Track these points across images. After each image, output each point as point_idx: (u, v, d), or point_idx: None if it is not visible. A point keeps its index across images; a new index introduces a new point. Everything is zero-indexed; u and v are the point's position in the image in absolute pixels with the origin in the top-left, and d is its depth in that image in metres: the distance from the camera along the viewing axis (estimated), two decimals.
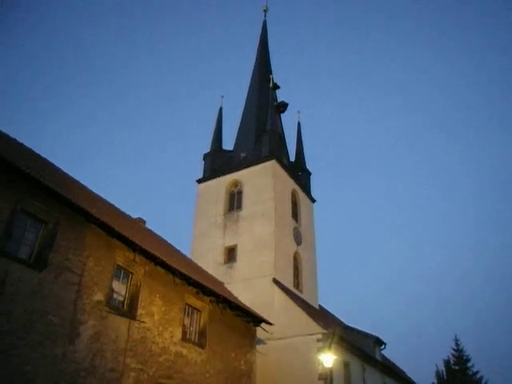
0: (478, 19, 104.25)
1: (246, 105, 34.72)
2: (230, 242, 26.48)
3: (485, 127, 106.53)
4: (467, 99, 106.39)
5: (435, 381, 37.06)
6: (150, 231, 19.05)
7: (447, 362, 37.53)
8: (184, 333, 14.94)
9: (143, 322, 13.27)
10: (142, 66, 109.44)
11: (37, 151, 14.40)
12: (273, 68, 36.99)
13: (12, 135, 13.60)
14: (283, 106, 33.60)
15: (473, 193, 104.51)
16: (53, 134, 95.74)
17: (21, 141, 13.89)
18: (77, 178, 15.75)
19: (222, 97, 34.65)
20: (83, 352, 11.30)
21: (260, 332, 18.83)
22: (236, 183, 28.89)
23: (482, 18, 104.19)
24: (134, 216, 19.13)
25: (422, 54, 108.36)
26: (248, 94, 35.33)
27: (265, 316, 18.58)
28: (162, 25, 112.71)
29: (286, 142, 33.33)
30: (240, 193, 28.29)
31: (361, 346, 24.29)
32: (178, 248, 20.15)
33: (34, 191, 10.90)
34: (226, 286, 20.43)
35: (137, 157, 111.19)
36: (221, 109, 34.21)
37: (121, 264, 13.10)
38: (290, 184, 29.50)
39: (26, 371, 9.93)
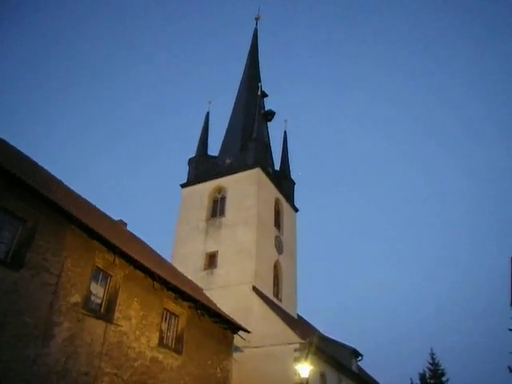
0: (480, 27, 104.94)
1: (233, 111, 34.80)
2: (211, 248, 26.41)
3: (480, 131, 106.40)
4: (461, 103, 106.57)
5: None
6: (130, 234, 18.87)
7: (422, 376, 37.81)
8: (161, 338, 14.75)
9: (120, 325, 13.08)
10: (130, 71, 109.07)
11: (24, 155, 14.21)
12: (261, 76, 37.24)
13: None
14: (270, 115, 33.79)
15: (465, 206, 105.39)
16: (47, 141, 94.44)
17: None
18: (60, 178, 15.55)
19: (210, 102, 34.79)
20: (56, 354, 11.07)
21: (237, 340, 18.75)
22: (220, 189, 28.88)
23: (485, 25, 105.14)
24: (116, 218, 18.94)
25: (412, 60, 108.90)
26: (236, 101, 35.43)
27: (243, 324, 18.51)
28: (150, 29, 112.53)
29: (272, 150, 33.51)
30: (223, 199, 28.28)
31: (337, 357, 24.35)
32: (158, 252, 20.01)
33: (13, 188, 10.71)
34: (205, 292, 20.30)
35: (122, 159, 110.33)
36: (208, 114, 34.29)
37: (100, 266, 12.92)
38: (274, 192, 29.60)
39: None
